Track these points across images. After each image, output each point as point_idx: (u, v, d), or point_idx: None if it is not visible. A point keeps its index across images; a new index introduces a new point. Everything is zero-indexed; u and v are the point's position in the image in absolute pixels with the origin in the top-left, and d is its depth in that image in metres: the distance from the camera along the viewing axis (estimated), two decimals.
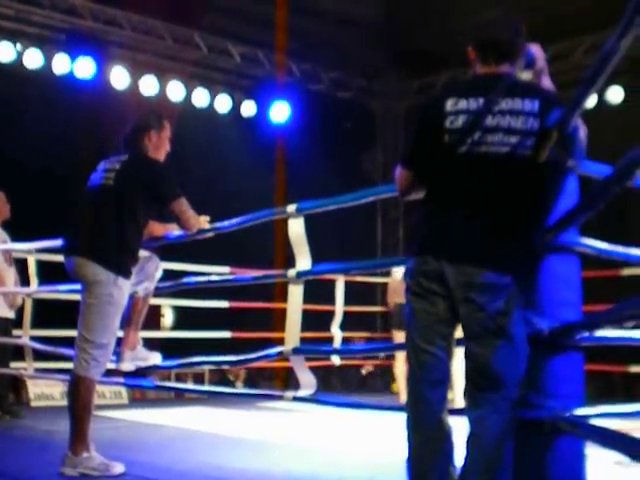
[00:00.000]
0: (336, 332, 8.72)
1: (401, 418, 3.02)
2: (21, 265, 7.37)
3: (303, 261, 4.51)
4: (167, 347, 7.02)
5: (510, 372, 2.81)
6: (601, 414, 3.03)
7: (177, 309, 11.29)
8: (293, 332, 4.56)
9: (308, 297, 4.63)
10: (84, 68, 10.59)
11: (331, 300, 8.69)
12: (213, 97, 12.05)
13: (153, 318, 9.25)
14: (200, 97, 11.89)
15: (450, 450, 2.92)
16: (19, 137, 9.38)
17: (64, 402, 5.12)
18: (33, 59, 10.41)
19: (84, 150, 10.14)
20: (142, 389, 9.44)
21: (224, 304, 9.28)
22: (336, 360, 8.87)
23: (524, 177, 2.83)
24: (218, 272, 7.96)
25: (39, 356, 7.47)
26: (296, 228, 4.48)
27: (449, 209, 2.91)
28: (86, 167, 5.19)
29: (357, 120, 13.64)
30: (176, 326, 11.58)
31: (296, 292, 4.56)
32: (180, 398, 10.16)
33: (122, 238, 4.69)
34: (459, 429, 2.95)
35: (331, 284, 8.60)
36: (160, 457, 5.42)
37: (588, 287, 3.10)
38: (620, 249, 3.28)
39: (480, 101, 2.85)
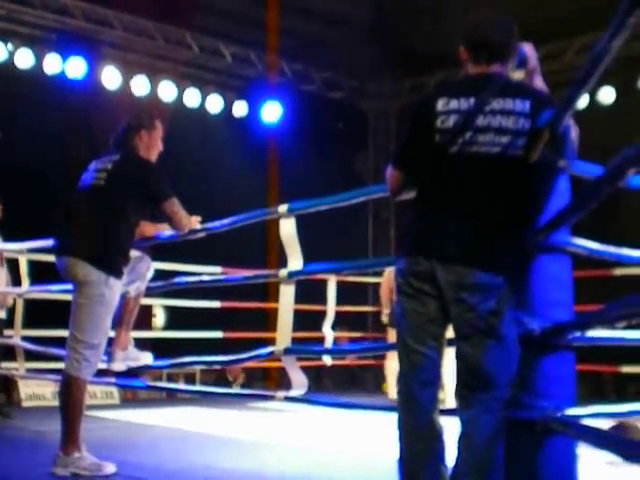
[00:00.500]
0: (328, 332, 8.71)
1: (392, 418, 3.02)
2: (12, 265, 7.35)
3: (295, 261, 4.51)
4: (158, 347, 7.01)
5: (501, 372, 2.81)
6: (592, 414, 3.03)
7: (169, 309, 11.25)
8: (285, 332, 4.56)
9: (300, 297, 4.64)
10: (75, 68, 10.54)
11: (322, 300, 8.69)
12: (205, 97, 12.02)
13: (144, 318, 9.26)
14: (192, 97, 11.85)
15: (441, 450, 2.92)
16: (10, 137, 9.33)
17: (55, 402, 5.12)
18: (24, 59, 10.36)
19: (75, 150, 10.10)
20: (134, 389, 9.41)
21: (216, 304, 9.27)
22: (328, 360, 8.85)
23: (515, 177, 2.83)
24: (210, 272, 7.95)
25: (30, 356, 7.45)
26: (287, 228, 4.48)
27: (440, 209, 2.91)
28: (77, 167, 5.17)
29: (349, 120, 13.63)
30: (168, 326, 11.54)
31: (288, 292, 4.56)
32: (172, 398, 10.13)
33: (114, 238, 4.68)
34: (450, 429, 2.95)
35: (323, 284, 8.60)
36: (150, 457, 5.41)
37: (580, 287, 3.11)
38: (612, 249, 3.29)
39: (471, 101, 2.85)
